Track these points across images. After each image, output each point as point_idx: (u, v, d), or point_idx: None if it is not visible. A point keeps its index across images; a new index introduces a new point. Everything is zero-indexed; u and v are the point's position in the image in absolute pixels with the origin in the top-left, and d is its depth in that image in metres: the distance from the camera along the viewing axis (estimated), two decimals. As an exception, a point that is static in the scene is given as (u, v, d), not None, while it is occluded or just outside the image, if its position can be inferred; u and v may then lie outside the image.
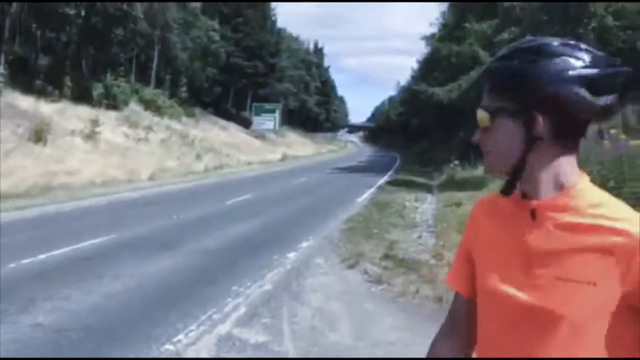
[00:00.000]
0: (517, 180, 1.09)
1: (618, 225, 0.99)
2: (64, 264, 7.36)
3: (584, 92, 1.02)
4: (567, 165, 1.07)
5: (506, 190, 1.10)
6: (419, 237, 10.24)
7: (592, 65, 1.03)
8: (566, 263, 1.01)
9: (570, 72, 1.03)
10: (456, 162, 24.11)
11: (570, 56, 1.04)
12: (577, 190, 1.05)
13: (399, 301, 6.26)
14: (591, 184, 1.08)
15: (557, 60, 1.04)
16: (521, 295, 1.05)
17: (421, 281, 6.83)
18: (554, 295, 1.01)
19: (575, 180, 1.06)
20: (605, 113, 1.05)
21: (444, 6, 34.24)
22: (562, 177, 1.06)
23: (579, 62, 1.04)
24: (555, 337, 1.01)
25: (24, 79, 24.73)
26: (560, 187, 1.06)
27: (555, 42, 1.07)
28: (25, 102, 20.72)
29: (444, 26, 39.05)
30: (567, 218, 1.03)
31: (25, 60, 28.97)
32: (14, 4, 23.49)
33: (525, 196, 1.10)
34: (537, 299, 1.03)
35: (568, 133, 1.06)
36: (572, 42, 1.08)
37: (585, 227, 1.01)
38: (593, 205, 1.03)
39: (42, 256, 7.59)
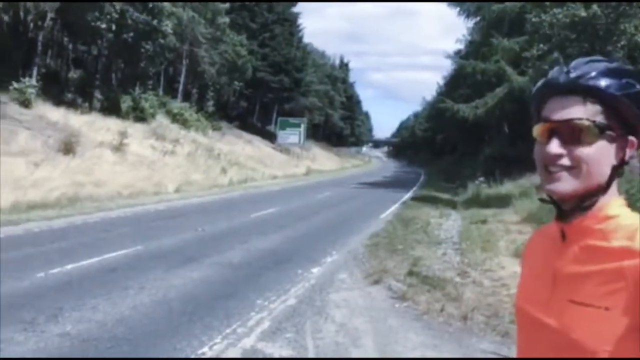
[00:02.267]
0: (585, 202, 1.05)
1: (633, 245, 0.96)
2: (91, 274, 7.47)
3: None
4: (613, 188, 1.07)
5: (573, 212, 1.06)
6: (444, 254, 10.14)
7: None
8: (582, 286, 1.00)
9: None
10: (481, 178, 23.93)
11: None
12: (607, 213, 1.04)
13: (424, 319, 6.21)
14: (624, 207, 1.07)
15: None
16: (541, 316, 1.06)
17: (446, 299, 6.78)
18: (568, 318, 1.00)
19: (608, 201, 1.06)
20: None
21: (470, 23, 34.13)
22: (601, 199, 1.06)
23: None
24: None
25: (55, 91, 25.30)
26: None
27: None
28: (55, 113, 21.14)
29: (471, 43, 38.96)
30: (592, 241, 1.03)
31: (56, 73, 29.68)
32: (47, 18, 24.04)
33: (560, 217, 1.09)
34: (554, 321, 1.03)
35: None
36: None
37: (605, 250, 1.00)
38: (618, 229, 1.01)
39: (69, 266, 7.71)
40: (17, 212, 11.82)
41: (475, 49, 34.64)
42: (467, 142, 45.58)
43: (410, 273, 8.16)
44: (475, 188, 23.46)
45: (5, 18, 22.30)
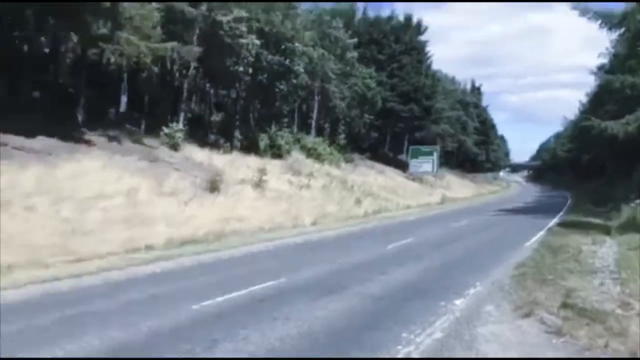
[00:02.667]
0: None
1: None
2: (240, 306, 7.75)
3: None
4: None
5: None
6: (601, 284, 9.35)
7: None
8: None
9: None
10: (637, 200, 21.91)
11: None
12: None
13: (586, 355, 5.71)
14: None
15: None
16: None
17: (609, 333, 6.19)
18: None
19: None
20: None
21: (614, 35, 31.79)
22: None
23: None
24: None
25: (200, 134, 27.20)
26: None
27: None
28: (200, 154, 22.66)
29: (615, 56, 36.32)
30: None
31: (200, 117, 31.94)
32: (191, 67, 26.06)
33: None
34: None
35: None
36: None
37: None
38: None
39: (220, 299, 8.06)
40: (170, 248, 12.67)
41: (620, 62, 32.24)
42: (617, 161, 42.22)
43: (565, 305, 7.59)
44: (631, 211, 21.47)
45: (155, 69, 24.45)
